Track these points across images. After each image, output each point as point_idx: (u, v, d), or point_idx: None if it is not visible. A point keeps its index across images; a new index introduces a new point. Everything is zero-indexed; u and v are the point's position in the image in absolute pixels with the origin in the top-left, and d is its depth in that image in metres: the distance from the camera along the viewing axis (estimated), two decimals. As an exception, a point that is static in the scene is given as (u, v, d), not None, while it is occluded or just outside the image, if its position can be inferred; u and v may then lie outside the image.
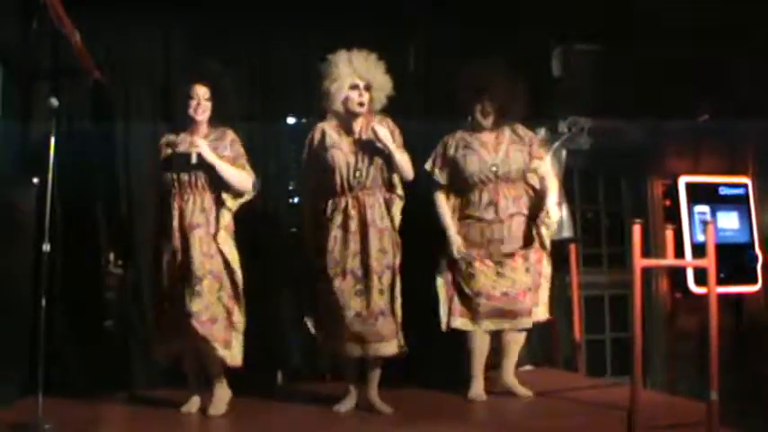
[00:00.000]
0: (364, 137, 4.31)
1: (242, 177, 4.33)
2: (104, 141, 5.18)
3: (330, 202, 4.30)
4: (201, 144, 4.25)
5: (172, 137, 4.42)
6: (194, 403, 4.34)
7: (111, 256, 5.26)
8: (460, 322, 4.60)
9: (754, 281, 6.45)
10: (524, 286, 4.57)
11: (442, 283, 4.65)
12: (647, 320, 5.66)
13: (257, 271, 4.60)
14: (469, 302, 4.58)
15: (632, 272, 4.24)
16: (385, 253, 4.24)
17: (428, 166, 4.72)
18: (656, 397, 4.93)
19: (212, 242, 4.24)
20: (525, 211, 4.65)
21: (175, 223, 4.24)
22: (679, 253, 5.97)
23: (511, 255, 4.59)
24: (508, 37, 5.58)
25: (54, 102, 4.12)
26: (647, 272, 5.59)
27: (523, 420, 4.28)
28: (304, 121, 5.60)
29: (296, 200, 5.50)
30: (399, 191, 4.37)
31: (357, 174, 4.26)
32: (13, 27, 4.97)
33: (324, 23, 5.35)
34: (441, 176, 4.70)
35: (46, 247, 4.01)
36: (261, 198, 4.81)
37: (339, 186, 4.28)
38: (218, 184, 4.30)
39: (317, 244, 4.30)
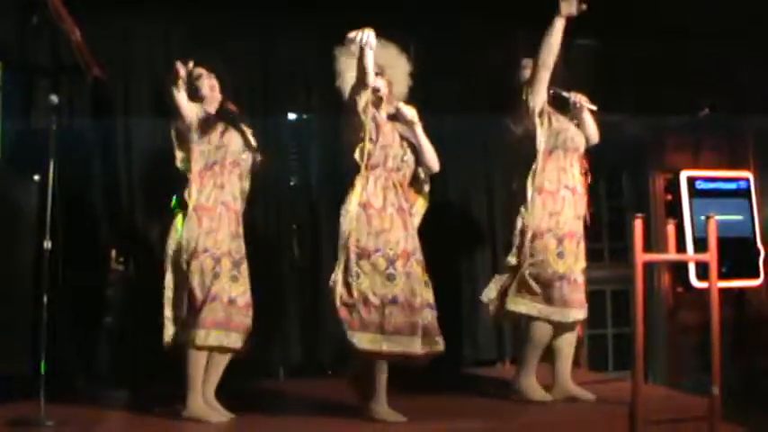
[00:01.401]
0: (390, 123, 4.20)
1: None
2: (105, 138, 5.18)
3: (374, 177, 4.11)
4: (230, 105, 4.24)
5: (202, 115, 4.23)
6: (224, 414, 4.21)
7: (113, 253, 5.26)
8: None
9: (756, 275, 6.44)
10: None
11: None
12: (649, 315, 5.62)
13: (258, 265, 4.59)
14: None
15: (634, 266, 4.23)
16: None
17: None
18: (658, 391, 4.93)
19: (238, 227, 4.20)
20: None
21: (228, 202, 4.16)
22: (681, 247, 5.97)
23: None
24: (507, 32, 5.58)
25: (54, 98, 4.13)
26: (648, 266, 5.58)
27: (525, 415, 4.27)
28: (304, 117, 5.61)
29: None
30: (426, 189, 4.29)
31: (404, 159, 4.18)
32: (12, 24, 4.97)
33: (324, 22, 5.35)
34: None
35: (47, 243, 4.01)
36: (262, 192, 4.80)
37: (389, 166, 4.14)
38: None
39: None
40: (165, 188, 4.43)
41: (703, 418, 4.13)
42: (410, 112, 4.18)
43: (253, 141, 4.27)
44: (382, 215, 4.05)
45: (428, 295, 4.11)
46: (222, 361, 4.15)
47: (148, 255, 5.10)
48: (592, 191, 4.75)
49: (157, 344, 4.68)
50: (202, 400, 4.09)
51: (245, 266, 4.18)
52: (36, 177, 4.73)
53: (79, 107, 5.15)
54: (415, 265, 4.07)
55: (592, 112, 4.59)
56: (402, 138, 4.21)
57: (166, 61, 5.26)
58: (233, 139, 4.20)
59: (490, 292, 4.52)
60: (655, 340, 6.02)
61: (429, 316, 4.07)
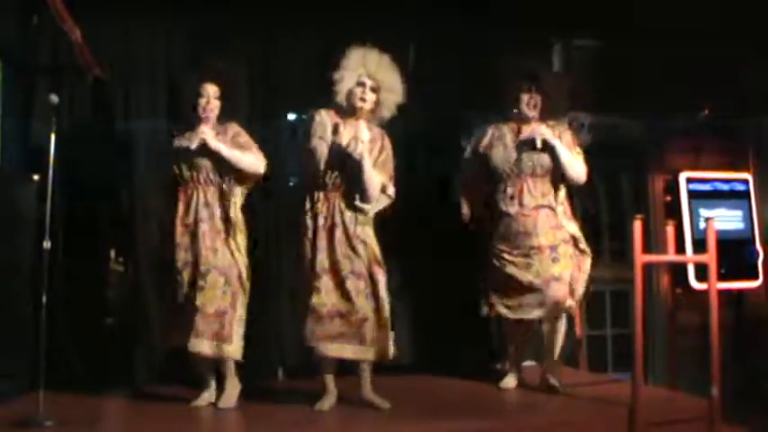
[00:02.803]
0: (353, 142, 4.23)
1: (251, 159, 4.33)
2: (105, 138, 5.17)
3: (314, 198, 4.27)
4: (206, 131, 4.26)
5: (178, 132, 4.40)
6: (205, 398, 4.34)
7: (112, 254, 5.26)
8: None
9: (755, 276, 6.45)
10: (549, 275, 4.54)
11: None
12: (649, 316, 5.65)
13: (256, 267, 4.59)
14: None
15: (633, 268, 4.24)
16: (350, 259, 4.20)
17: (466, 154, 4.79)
18: (658, 392, 4.93)
19: (217, 236, 4.26)
20: (554, 205, 4.63)
21: (180, 218, 4.26)
22: (680, 249, 5.97)
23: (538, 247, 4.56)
24: (508, 33, 5.58)
25: (54, 99, 4.12)
26: (648, 267, 5.59)
27: (524, 415, 4.27)
28: (305, 117, 5.60)
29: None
30: (363, 211, 4.30)
31: (335, 175, 4.23)
32: (13, 24, 4.97)
33: (325, 21, 5.35)
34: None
35: (47, 244, 4.01)
36: (261, 194, 4.81)
37: (318, 181, 4.25)
38: (224, 176, 4.31)
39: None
40: (165, 188, 4.43)
41: (703, 419, 4.13)
42: (364, 137, 4.19)
43: (213, 147, 4.28)
44: (312, 236, 4.22)
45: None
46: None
47: (148, 255, 5.10)
48: (592, 193, 4.76)
49: (156, 344, 4.71)
50: None
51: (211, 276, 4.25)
52: (36, 177, 4.73)
53: (79, 107, 5.15)
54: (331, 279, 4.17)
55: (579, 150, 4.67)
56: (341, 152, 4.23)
57: (167, 61, 5.29)
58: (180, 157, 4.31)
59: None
60: (654, 341, 6.03)
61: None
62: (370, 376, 4.30)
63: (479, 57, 5.31)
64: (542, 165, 4.60)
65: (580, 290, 4.64)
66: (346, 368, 4.36)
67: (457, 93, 5.59)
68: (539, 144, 4.57)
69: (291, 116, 5.64)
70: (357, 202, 4.23)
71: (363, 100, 4.27)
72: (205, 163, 4.29)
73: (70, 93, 5.06)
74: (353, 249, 4.19)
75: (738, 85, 6.31)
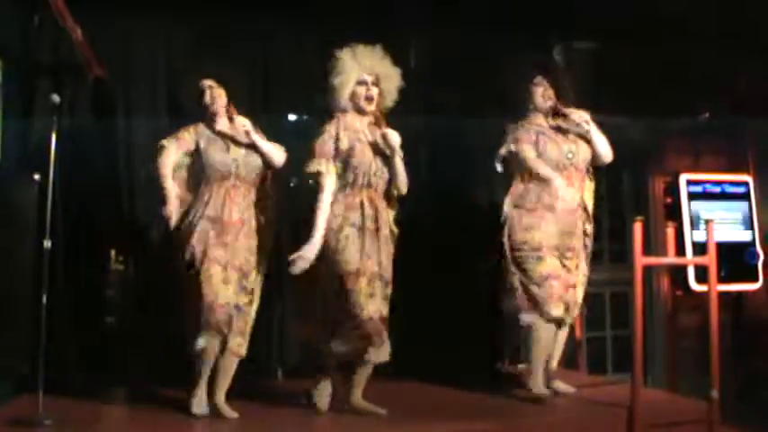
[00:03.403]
0: (371, 138, 4.21)
1: (277, 150, 4.32)
2: (106, 137, 5.18)
3: (342, 198, 4.17)
4: (246, 123, 4.24)
5: (199, 128, 4.30)
6: (204, 402, 4.27)
7: (113, 253, 5.26)
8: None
9: (755, 279, 6.44)
10: (576, 278, 4.52)
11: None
12: (648, 318, 5.66)
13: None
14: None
15: (633, 269, 4.24)
16: (389, 261, 4.18)
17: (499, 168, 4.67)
18: (657, 395, 4.94)
19: (250, 232, 4.24)
20: (586, 203, 4.61)
21: (216, 217, 4.18)
22: (680, 251, 5.97)
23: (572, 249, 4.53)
24: (508, 35, 5.57)
25: (55, 98, 4.12)
26: (648, 269, 5.59)
27: (524, 417, 4.27)
28: (305, 117, 5.60)
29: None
30: (394, 199, 4.30)
31: (376, 173, 4.19)
32: (14, 23, 4.97)
33: (325, 21, 5.35)
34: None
35: (47, 243, 4.01)
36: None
37: (358, 183, 4.17)
38: (263, 174, 4.30)
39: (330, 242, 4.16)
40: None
41: (702, 421, 4.13)
42: (395, 139, 4.15)
43: (261, 145, 4.25)
44: (338, 236, 4.11)
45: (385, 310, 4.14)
46: (232, 365, 4.21)
47: (148, 255, 5.10)
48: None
49: (156, 343, 4.70)
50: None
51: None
52: (36, 176, 4.72)
53: (80, 106, 5.15)
54: (363, 281, 4.08)
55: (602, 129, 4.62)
56: (375, 152, 4.20)
57: (167, 60, 5.30)
58: (217, 153, 4.23)
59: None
60: (654, 343, 6.03)
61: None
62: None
63: (479, 60, 5.31)
64: (586, 158, 4.59)
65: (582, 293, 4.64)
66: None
67: (455, 96, 5.60)
68: (582, 129, 4.52)
69: (292, 117, 5.65)
70: (395, 190, 4.22)
71: (369, 99, 4.23)
72: (248, 158, 4.26)
73: (71, 92, 5.06)
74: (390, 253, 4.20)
75: (739, 86, 6.32)
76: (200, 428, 4.12)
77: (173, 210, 4.19)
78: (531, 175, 4.54)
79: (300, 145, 5.08)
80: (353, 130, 4.21)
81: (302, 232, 4.20)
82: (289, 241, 5.26)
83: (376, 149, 4.19)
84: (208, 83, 4.30)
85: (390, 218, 4.28)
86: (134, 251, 5.21)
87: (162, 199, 4.19)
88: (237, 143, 4.26)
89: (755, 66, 6.27)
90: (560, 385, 4.63)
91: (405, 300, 4.34)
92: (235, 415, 4.14)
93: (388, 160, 4.19)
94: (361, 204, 4.15)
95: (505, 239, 4.55)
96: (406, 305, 4.33)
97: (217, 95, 4.30)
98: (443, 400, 4.61)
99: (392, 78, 4.31)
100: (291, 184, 5.31)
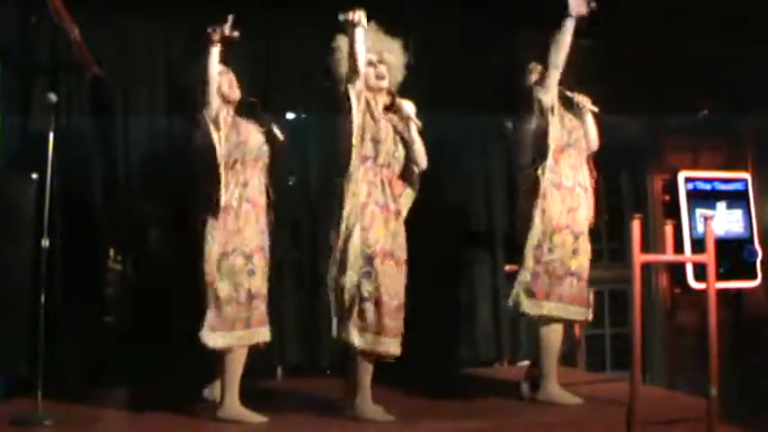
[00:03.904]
0: (385, 117, 4.18)
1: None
2: (103, 136, 5.17)
3: (364, 171, 4.11)
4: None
5: (222, 113, 4.17)
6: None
7: (111, 252, 5.26)
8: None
9: (754, 276, 6.44)
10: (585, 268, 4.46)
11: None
12: (647, 316, 5.65)
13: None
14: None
15: (632, 267, 4.24)
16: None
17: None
18: (656, 392, 4.94)
19: (265, 220, 4.20)
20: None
21: (253, 198, 4.14)
22: (679, 248, 5.97)
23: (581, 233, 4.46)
24: (506, 32, 5.58)
25: (53, 97, 4.12)
26: (646, 267, 5.59)
27: (522, 415, 4.27)
28: (304, 116, 5.61)
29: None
30: (415, 181, 4.27)
31: (396, 154, 4.17)
32: (12, 22, 4.97)
33: (325, 20, 5.34)
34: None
35: (45, 242, 4.01)
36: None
37: (380, 161, 4.14)
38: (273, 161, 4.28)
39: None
40: (163, 187, 4.43)
41: (701, 418, 4.13)
42: (410, 109, 4.15)
43: (278, 133, 4.25)
44: (364, 212, 4.05)
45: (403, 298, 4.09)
46: (242, 358, 4.13)
47: (146, 254, 5.10)
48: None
49: (155, 342, 4.70)
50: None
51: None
52: (34, 176, 4.71)
53: (78, 105, 5.15)
54: (392, 264, 4.05)
55: (594, 115, 4.57)
56: (396, 132, 4.20)
57: (165, 59, 5.29)
58: (251, 135, 4.19)
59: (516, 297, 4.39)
60: (652, 341, 6.03)
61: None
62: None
63: (478, 57, 5.31)
64: (589, 137, 4.55)
65: None
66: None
67: (456, 92, 5.61)
68: (590, 107, 4.50)
69: (290, 115, 5.65)
70: (414, 165, 4.19)
71: (381, 77, 4.21)
72: (268, 148, 4.24)
73: (69, 91, 5.06)
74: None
75: (737, 84, 6.31)
76: (201, 428, 4.12)
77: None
78: (562, 150, 4.41)
79: (300, 144, 5.11)
80: (376, 108, 4.20)
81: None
82: (289, 241, 5.32)
83: (395, 131, 4.19)
84: (223, 68, 4.26)
85: (403, 198, 4.24)
86: (132, 250, 5.20)
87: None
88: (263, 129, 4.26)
89: (755, 63, 6.27)
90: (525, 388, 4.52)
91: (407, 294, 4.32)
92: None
93: (403, 140, 4.18)
94: (382, 183, 4.12)
95: (537, 221, 4.35)
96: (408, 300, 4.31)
97: (234, 83, 4.27)
98: (440, 399, 4.61)
99: (395, 51, 4.31)
100: (290, 183, 5.33)
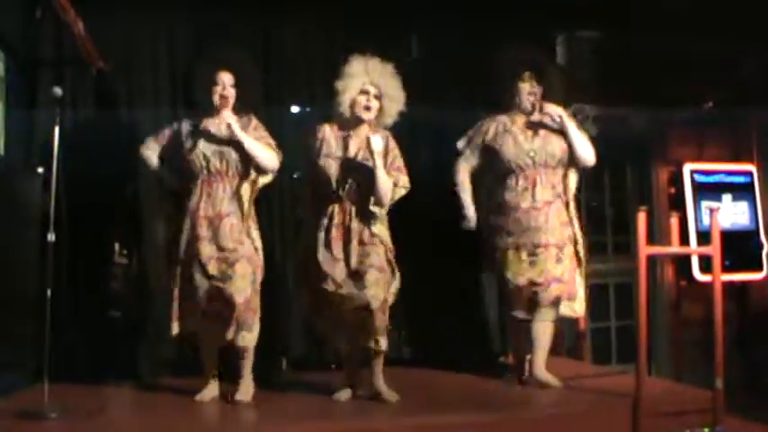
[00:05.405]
0: (361, 151, 4.26)
1: (269, 155, 4.33)
2: (108, 131, 5.17)
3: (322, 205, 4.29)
4: (230, 118, 4.25)
5: (191, 124, 4.37)
6: (209, 392, 4.33)
7: (116, 246, 5.27)
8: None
9: (760, 268, 6.44)
10: (551, 276, 4.52)
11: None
12: (652, 308, 5.66)
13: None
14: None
15: (637, 260, 4.24)
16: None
17: (460, 144, 4.79)
18: (662, 384, 4.94)
19: (242, 229, 4.26)
20: (564, 198, 4.62)
21: (202, 211, 4.23)
22: (684, 240, 5.96)
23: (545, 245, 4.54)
24: (511, 25, 5.56)
25: (58, 91, 4.12)
26: (652, 259, 5.59)
27: (528, 408, 4.28)
28: (308, 110, 5.60)
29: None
30: (379, 209, 4.27)
31: (347, 187, 4.23)
32: (16, 16, 4.97)
33: (325, 17, 5.35)
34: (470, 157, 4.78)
35: (50, 236, 4.02)
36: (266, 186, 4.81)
37: (330, 193, 4.26)
38: (245, 169, 4.31)
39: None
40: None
41: (707, 410, 4.13)
42: (376, 145, 4.15)
43: (236, 136, 4.27)
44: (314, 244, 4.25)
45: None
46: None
47: (152, 248, 5.11)
48: (596, 184, 4.75)
49: (160, 336, 4.70)
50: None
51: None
52: (40, 170, 4.73)
53: (83, 100, 5.15)
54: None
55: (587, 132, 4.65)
56: (351, 165, 4.24)
57: (170, 53, 5.29)
58: (195, 149, 4.28)
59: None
60: (658, 333, 6.03)
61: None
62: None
63: (480, 49, 5.29)
64: (554, 155, 4.58)
65: (581, 293, 4.64)
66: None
67: (456, 87, 5.59)
68: (555, 123, 4.53)
69: (294, 109, 5.64)
70: (371, 207, 4.22)
71: (368, 108, 4.27)
72: (233, 154, 4.28)
73: (73, 85, 5.06)
74: (371, 246, 4.21)
75: (743, 76, 6.30)
76: (206, 419, 4.13)
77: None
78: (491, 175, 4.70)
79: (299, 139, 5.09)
80: (334, 139, 4.28)
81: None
82: (292, 234, 5.32)
83: (352, 162, 4.24)
84: (224, 80, 4.32)
85: (373, 227, 4.27)
86: (138, 243, 5.20)
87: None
88: (214, 139, 4.30)
89: (759, 54, 6.25)
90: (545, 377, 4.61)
91: (408, 291, 4.34)
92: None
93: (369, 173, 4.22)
94: (345, 212, 4.23)
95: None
96: (409, 296, 4.33)
97: (225, 95, 4.32)
98: (448, 391, 4.62)
99: (396, 100, 4.34)
100: (295, 176, 5.32)
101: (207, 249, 4.21)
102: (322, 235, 4.22)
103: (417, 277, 4.84)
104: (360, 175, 4.22)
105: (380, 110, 4.31)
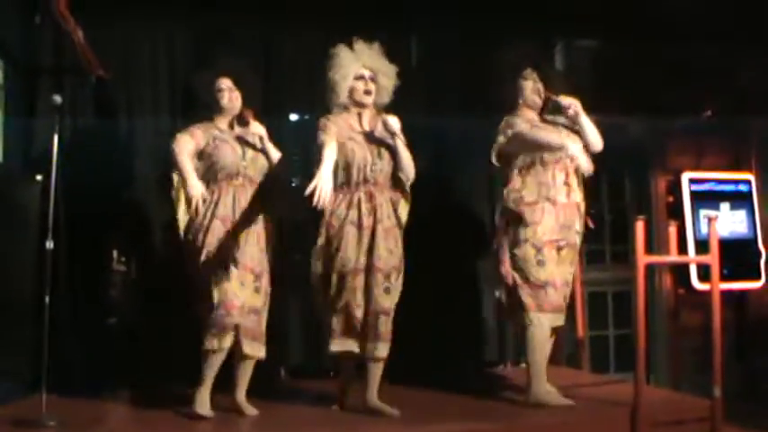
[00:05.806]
0: (374, 131, 4.24)
1: (279, 160, 4.35)
2: (107, 138, 5.18)
3: (342, 196, 4.19)
4: (261, 128, 4.28)
5: (211, 129, 4.32)
6: (207, 401, 4.27)
7: (115, 253, 5.27)
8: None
9: (758, 277, 6.44)
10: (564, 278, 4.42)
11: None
12: (651, 317, 5.65)
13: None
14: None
15: (636, 268, 4.24)
16: (391, 252, 4.17)
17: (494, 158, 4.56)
18: (660, 393, 4.93)
19: (263, 236, 4.27)
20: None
21: (226, 216, 4.20)
22: (682, 249, 5.96)
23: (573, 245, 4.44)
24: (509, 33, 5.57)
25: (57, 99, 4.13)
26: (650, 268, 5.58)
27: (526, 417, 4.27)
28: (306, 117, 5.60)
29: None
30: (407, 190, 4.29)
31: (374, 168, 4.20)
32: (16, 24, 4.98)
33: (325, 18, 5.35)
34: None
35: (49, 243, 4.02)
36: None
37: (354, 181, 4.19)
38: (265, 172, 4.32)
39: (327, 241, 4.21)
40: (168, 188, 4.42)
41: (705, 419, 4.13)
42: (394, 125, 4.14)
43: (272, 151, 4.30)
44: (339, 235, 4.15)
45: (384, 303, 4.14)
46: (250, 366, 4.26)
47: (150, 255, 5.11)
48: (593, 193, 4.74)
49: (159, 343, 4.70)
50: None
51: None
52: (39, 177, 4.74)
53: (82, 108, 5.16)
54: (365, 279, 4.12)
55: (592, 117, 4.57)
56: (371, 143, 4.21)
57: (169, 61, 5.30)
58: (227, 154, 4.25)
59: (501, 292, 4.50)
60: (656, 342, 6.03)
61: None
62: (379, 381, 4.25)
63: (480, 57, 5.31)
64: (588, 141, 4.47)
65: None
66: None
67: (456, 92, 5.61)
68: (574, 110, 4.40)
69: (293, 116, 5.65)
70: (401, 173, 4.21)
71: (368, 93, 4.27)
72: (261, 161, 4.29)
73: (73, 93, 5.07)
74: (395, 244, 4.20)
75: (741, 84, 6.31)
76: (205, 429, 4.12)
77: (198, 188, 4.14)
78: (528, 168, 4.43)
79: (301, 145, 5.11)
80: (347, 128, 4.23)
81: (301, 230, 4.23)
82: (290, 242, 5.32)
83: (372, 142, 4.21)
84: (227, 84, 4.33)
85: (399, 208, 4.27)
86: (136, 251, 5.21)
87: (185, 182, 4.16)
88: (248, 145, 4.30)
89: (758, 63, 6.27)
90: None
91: (403, 300, 4.33)
92: (254, 412, 4.20)
93: (389, 150, 4.20)
94: (359, 201, 4.16)
95: (503, 237, 4.45)
96: (404, 306, 4.32)
97: (234, 97, 4.33)
98: (444, 401, 4.60)
99: (389, 75, 4.35)
100: (293, 184, 5.33)
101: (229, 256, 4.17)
102: (353, 229, 4.14)
103: (411, 283, 4.84)
104: (379, 157, 4.20)
105: (377, 90, 4.30)
